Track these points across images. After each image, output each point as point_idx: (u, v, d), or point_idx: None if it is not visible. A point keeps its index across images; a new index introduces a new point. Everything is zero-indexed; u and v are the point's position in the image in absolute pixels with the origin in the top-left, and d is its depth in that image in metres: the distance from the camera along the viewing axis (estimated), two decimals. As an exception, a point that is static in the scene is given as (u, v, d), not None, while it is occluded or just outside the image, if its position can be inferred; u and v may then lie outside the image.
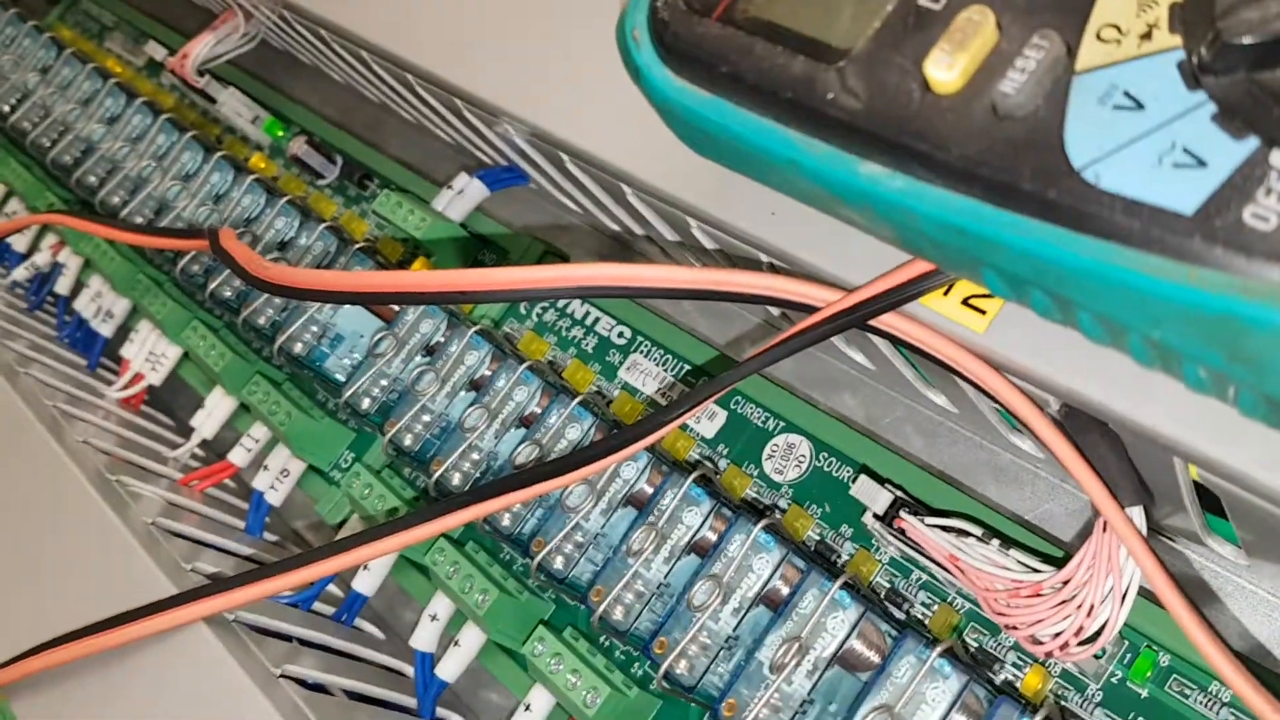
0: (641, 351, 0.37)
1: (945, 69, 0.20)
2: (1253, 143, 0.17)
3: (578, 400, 0.33)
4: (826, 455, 0.33)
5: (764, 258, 0.27)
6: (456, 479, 0.34)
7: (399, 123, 0.48)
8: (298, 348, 0.38)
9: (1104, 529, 0.24)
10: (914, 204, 0.20)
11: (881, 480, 0.30)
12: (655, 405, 0.36)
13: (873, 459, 0.32)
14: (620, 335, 0.38)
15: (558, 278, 0.25)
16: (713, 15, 0.23)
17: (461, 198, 0.42)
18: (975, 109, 0.19)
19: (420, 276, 0.27)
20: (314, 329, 0.39)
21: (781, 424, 0.33)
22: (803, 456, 0.33)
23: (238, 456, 0.42)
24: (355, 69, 0.42)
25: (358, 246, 0.39)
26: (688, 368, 0.36)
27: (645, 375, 0.37)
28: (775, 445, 0.33)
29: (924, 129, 0.20)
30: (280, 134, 0.51)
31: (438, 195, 0.43)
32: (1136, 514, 0.23)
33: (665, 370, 0.36)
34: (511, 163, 0.40)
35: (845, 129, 0.21)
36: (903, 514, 0.29)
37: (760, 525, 0.29)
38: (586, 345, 0.38)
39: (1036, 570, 0.27)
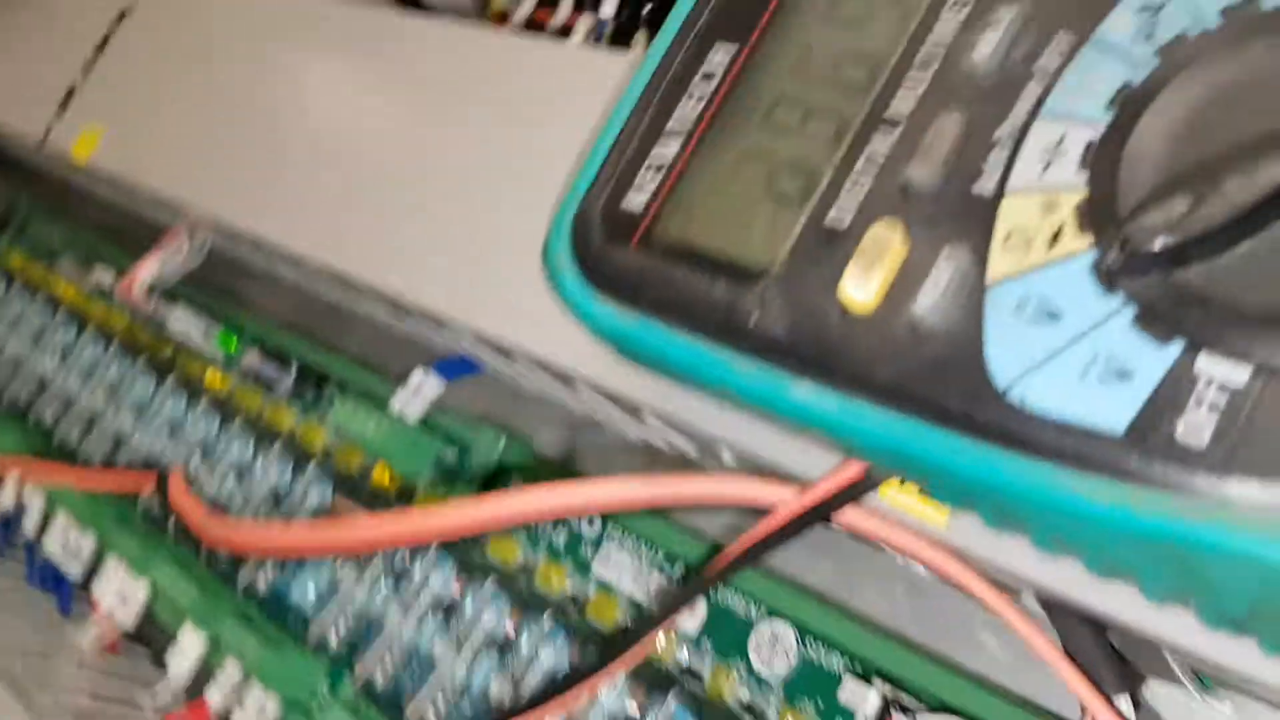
0: (614, 541, 0.36)
1: (860, 289, 0.20)
2: (1177, 347, 0.17)
3: (549, 613, 0.32)
4: (814, 642, 0.32)
5: (725, 453, 0.27)
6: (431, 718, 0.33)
7: (351, 318, 0.48)
8: (260, 584, 0.38)
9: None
10: (848, 423, 0.20)
11: (869, 675, 0.29)
12: (634, 604, 0.35)
13: (860, 645, 0.31)
14: (590, 525, 0.37)
15: (489, 517, 0.25)
16: (632, 241, 0.23)
17: (418, 395, 0.42)
18: (895, 327, 0.19)
19: (349, 531, 0.27)
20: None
21: (764, 610, 0.32)
22: (789, 648, 0.32)
23: (214, 696, 0.41)
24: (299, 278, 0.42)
25: (315, 463, 0.39)
26: (663, 553, 0.35)
27: (620, 569, 0.36)
28: (760, 635, 0.32)
29: (848, 350, 0.20)
30: (233, 346, 0.50)
31: (395, 394, 0.42)
32: (1123, 702, 0.23)
33: (641, 561, 0.35)
34: (465, 354, 0.39)
35: (772, 351, 0.21)
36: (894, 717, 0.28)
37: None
38: (557, 541, 0.37)
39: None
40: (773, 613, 0.33)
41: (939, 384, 0.18)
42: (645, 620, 0.27)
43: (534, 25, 0.48)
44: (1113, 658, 0.23)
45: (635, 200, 0.23)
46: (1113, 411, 0.17)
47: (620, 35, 0.46)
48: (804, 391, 0.20)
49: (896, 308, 0.19)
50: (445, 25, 0.44)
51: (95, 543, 0.48)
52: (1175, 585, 0.17)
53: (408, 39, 0.40)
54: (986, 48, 0.20)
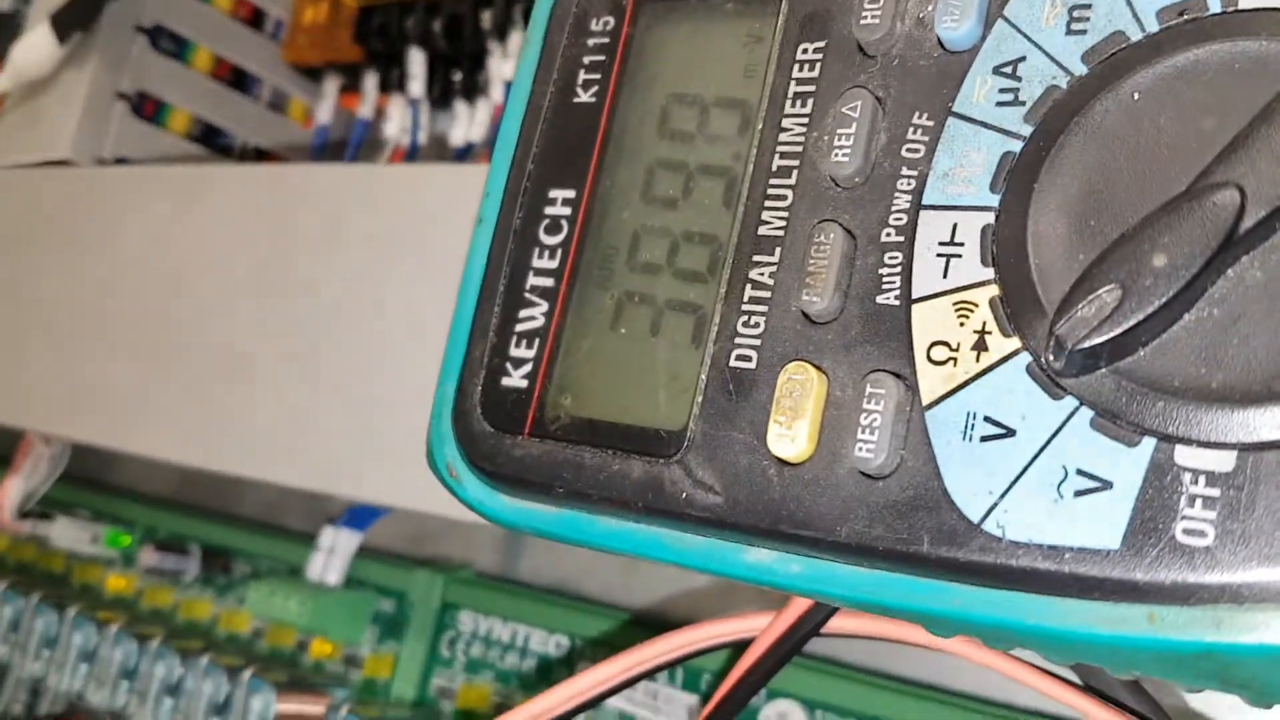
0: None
1: (790, 442, 0.18)
2: (1150, 444, 0.15)
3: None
4: (825, 714, 0.30)
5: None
6: None
7: (240, 482, 0.45)
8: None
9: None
10: (820, 586, 0.18)
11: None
12: (625, 718, 0.33)
13: (877, 703, 0.29)
14: (558, 646, 0.35)
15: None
16: (524, 431, 0.21)
17: (334, 555, 0.39)
18: (841, 475, 0.17)
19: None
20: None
21: (765, 692, 0.31)
22: (796, 723, 0.30)
23: None
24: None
25: (251, 674, 0.36)
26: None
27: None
28: (766, 719, 0.31)
29: (797, 509, 0.18)
30: (126, 542, 0.47)
31: (309, 561, 0.40)
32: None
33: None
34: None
35: (714, 524, 0.19)
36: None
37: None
38: (527, 669, 0.35)
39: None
40: (774, 694, 0.31)
41: (906, 530, 0.17)
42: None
43: (351, 140, 0.45)
44: (1138, 688, 0.22)
45: (515, 380, 0.21)
46: (1102, 527, 0.15)
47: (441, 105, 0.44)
48: (761, 557, 0.18)
49: (836, 453, 0.17)
50: (262, 170, 0.41)
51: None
52: (1213, 685, 0.16)
53: (227, 192, 0.37)
54: (844, 146, 0.18)
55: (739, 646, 0.24)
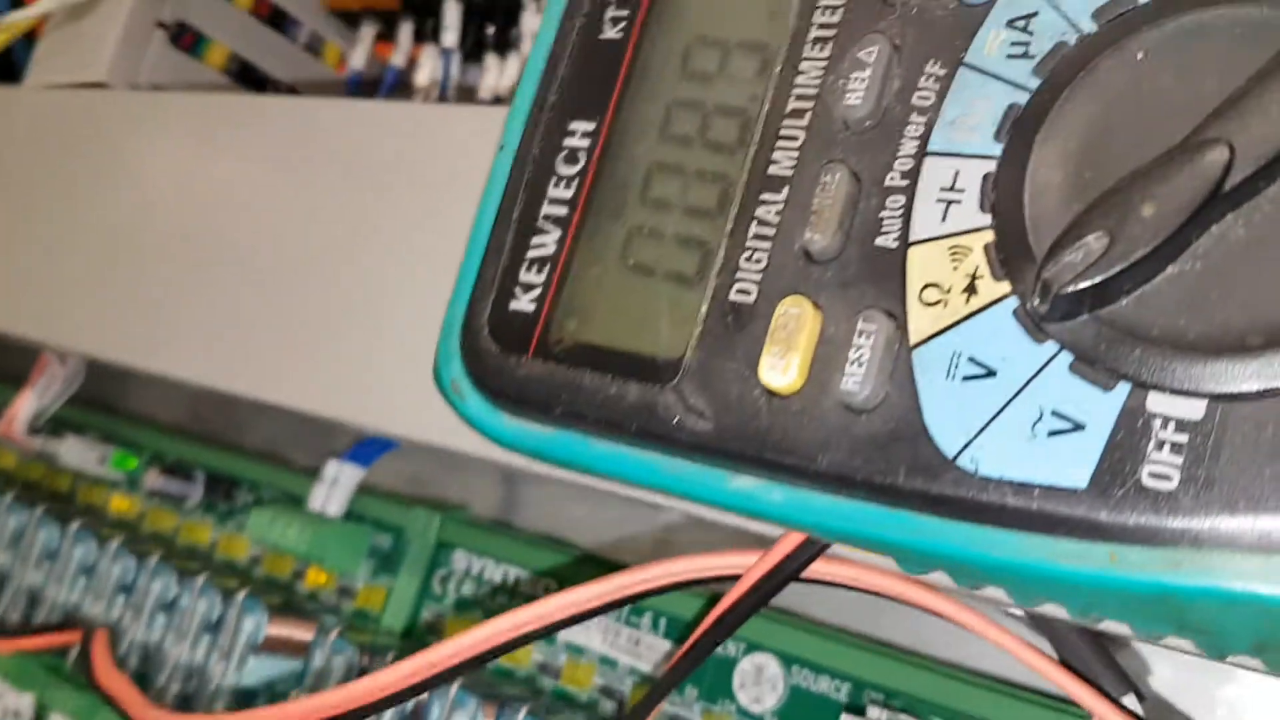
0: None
1: (780, 374, 0.18)
2: (1124, 390, 0.16)
3: (525, 711, 0.31)
4: (799, 669, 0.31)
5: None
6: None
7: (253, 410, 0.45)
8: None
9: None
10: (797, 513, 0.19)
11: (861, 693, 0.28)
12: (606, 661, 0.34)
13: (851, 661, 0.30)
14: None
15: (449, 655, 0.24)
16: (528, 352, 0.21)
17: (336, 488, 0.40)
18: (827, 407, 0.18)
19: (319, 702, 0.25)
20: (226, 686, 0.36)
21: (744, 645, 0.32)
22: (775, 677, 0.31)
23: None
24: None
25: (246, 594, 0.37)
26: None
27: (588, 629, 0.35)
28: (743, 671, 0.31)
29: (782, 438, 0.18)
30: (133, 465, 0.48)
31: (312, 492, 0.40)
32: (1130, 701, 0.22)
33: (607, 617, 0.34)
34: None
35: (702, 449, 0.19)
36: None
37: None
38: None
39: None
40: (752, 647, 0.32)
41: (884, 462, 0.17)
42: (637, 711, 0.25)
43: (382, 84, 0.46)
44: (1110, 660, 0.22)
45: (523, 303, 0.22)
46: (1071, 467, 0.16)
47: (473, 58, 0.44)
48: (744, 484, 0.19)
49: (824, 386, 0.18)
50: (294, 102, 0.42)
51: (34, 703, 0.46)
52: (1169, 629, 0.16)
53: (258, 123, 0.38)
54: (858, 90, 0.19)
55: (714, 599, 0.25)
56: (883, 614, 0.31)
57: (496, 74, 0.43)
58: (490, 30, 0.43)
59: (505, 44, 0.43)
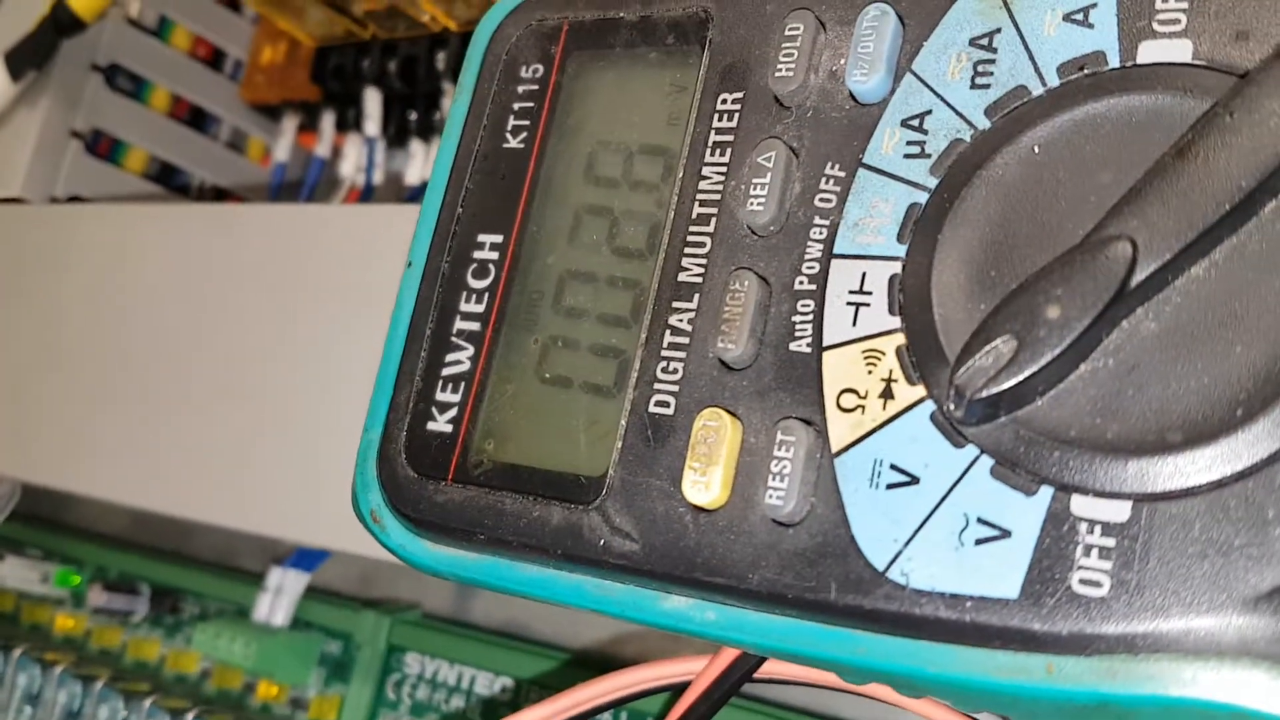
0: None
1: (704, 489, 0.18)
2: (1047, 493, 0.15)
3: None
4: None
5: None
6: None
7: (192, 522, 0.44)
8: None
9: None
10: (733, 634, 0.18)
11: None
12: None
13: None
14: (503, 689, 0.35)
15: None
16: (448, 476, 0.21)
17: (282, 596, 0.39)
18: (754, 522, 0.17)
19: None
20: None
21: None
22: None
23: None
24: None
25: (195, 716, 0.36)
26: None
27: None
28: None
29: (711, 557, 0.18)
30: (76, 582, 0.46)
31: (256, 601, 0.39)
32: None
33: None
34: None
35: (631, 571, 0.19)
36: None
37: None
38: (471, 712, 0.35)
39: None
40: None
41: (815, 578, 0.17)
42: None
43: (307, 177, 0.45)
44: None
45: (440, 424, 0.21)
46: (1001, 576, 0.15)
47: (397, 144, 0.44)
48: (677, 604, 0.18)
49: (749, 500, 0.18)
50: (214, 210, 0.41)
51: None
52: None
53: (178, 233, 0.37)
54: (759, 195, 0.18)
55: (678, 690, 0.24)
56: (842, 698, 0.30)
57: (423, 160, 0.43)
58: (413, 116, 0.43)
59: (428, 128, 0.43)
